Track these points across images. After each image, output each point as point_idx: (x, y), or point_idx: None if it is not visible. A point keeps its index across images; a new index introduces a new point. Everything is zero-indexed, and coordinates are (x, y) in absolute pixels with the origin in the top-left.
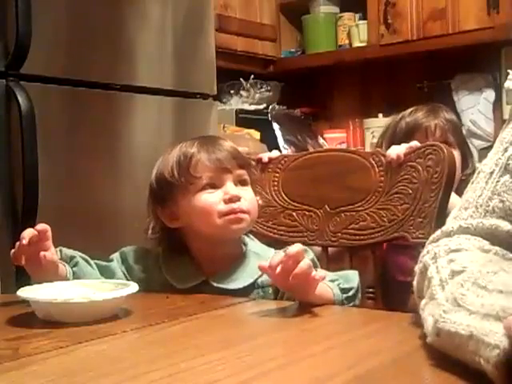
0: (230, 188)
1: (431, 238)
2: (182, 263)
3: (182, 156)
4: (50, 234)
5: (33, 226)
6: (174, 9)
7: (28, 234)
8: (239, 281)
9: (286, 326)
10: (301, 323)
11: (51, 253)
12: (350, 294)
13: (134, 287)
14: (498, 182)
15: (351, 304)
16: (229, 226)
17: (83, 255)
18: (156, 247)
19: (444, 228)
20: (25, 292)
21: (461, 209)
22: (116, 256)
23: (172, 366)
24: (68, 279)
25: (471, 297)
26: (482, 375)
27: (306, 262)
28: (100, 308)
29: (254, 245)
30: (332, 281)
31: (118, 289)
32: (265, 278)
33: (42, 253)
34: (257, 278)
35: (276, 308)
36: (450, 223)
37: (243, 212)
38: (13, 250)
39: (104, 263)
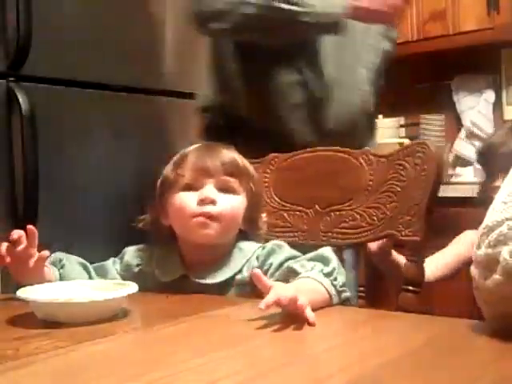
0: (207, 191)
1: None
2: (169, 257)
3: (179, 154)
4: (36, 241)
5: (33, 226)
6: (174, 9)
7: (17, 233)
8: (217, 276)
9: (286, 326)
10: (301, 323)
11: (37, 259)
12: (334, 275)
13: (133, 287)
14: None
15: (341, 287)
16: (197, 229)
17: (78, 258)
18: (152, 242)
19: None
20: (25, 292)
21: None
22: (113, 258)
23: (172, 366)
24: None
25: None
26: (482, 374)
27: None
28: (100, 308)
29: (241, 240)
30: (312, 268)
31: (118, 289)
32: (243, 275)
33: (31, 260)
34: (234, 275)
35: (276, 308)
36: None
37: (211, 217)
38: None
39: (98, 264)
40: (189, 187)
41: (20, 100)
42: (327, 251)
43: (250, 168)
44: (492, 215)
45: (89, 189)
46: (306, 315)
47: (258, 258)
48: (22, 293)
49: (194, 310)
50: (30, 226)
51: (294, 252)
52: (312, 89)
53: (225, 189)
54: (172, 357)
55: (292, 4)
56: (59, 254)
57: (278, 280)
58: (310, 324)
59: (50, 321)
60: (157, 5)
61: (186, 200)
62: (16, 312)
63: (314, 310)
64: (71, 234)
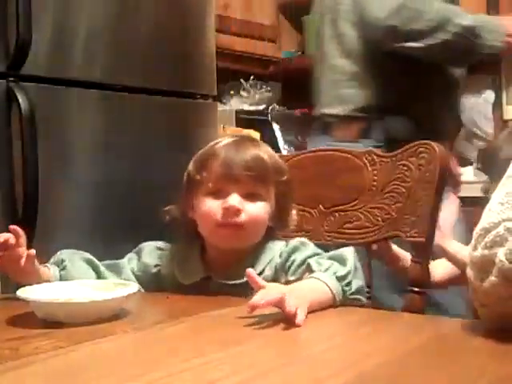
0: (232, 199)
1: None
2: (190, 258)
3: (206, 152)
4: (23, 240)
5: (33, 226)
6: (174, 9)
7: (3, 236)
8: (241, 276)
9: (286, 326)
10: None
11: (26, 259)
12: (349, 279)
13: (133, 287)
14: None
15: (354, 291)
16: (223, 238)
17: (86, 256)
18: (172, 241)
19: None
20: (25, 292)
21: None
22: (130, 254)
23: (172, 366)
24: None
25: None
26: (481, 374)
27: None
28: (100, 308)
29: (270, 240)
30: (327, 269)
31: (118, 289)
32: (265, 274)
33: (21, 260)
34: (259, 274)
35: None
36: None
37: (238, 227)
38: None
39: (112, 262)
40: (214, 191)
41: (20, 100)
42: (348, 252)
43: (280, 166)
44: (488, 216)
45: (89, 189)
46: (293, 317)
47: (281, 254)
48: (21, 293)
49: (194, 309)
50: (13, 226)
51: (318, 250)
52: (460, 87)
53: (250, 195)
54: (172, 357)
55: (476, 37)
56: (64, 254)
57: (298, 278)
58: (296, 324)
59: (50, 321)
60: (157, 4)
61: (211, 208)
62: (16, 312)
63: (313, 309)
64: (71, 233)
